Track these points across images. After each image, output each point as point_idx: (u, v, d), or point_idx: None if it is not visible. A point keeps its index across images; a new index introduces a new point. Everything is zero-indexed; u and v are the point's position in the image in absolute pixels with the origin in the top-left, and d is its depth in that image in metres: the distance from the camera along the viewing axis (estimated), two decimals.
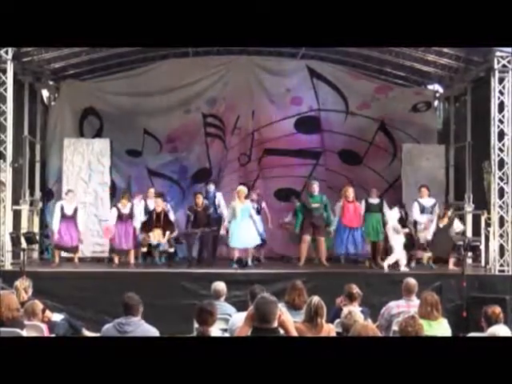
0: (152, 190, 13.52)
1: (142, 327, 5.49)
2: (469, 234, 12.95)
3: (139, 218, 12.63)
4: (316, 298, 6.08)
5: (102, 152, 14.14)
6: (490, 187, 12.05)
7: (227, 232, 12.48)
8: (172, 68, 15.11)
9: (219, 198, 13.26)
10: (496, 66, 11.55)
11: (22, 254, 10.80)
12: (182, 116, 15.39)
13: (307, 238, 12.76)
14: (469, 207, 13.36)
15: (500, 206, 11.60)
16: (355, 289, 7.53)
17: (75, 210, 12.61)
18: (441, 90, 15.62)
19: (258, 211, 13.09)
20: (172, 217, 12.97)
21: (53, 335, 7.41)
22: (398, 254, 11.78)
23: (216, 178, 14.98)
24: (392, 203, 13.04)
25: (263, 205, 13.52)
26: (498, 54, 11.46)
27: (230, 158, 15.51)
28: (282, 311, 4.45)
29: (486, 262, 11.98)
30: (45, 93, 15.12)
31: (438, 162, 14.70)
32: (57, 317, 8.75)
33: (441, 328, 6.49)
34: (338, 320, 6.76)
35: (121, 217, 12.47)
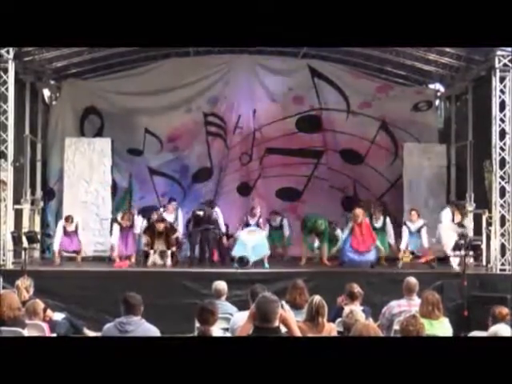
0: (171, 206, 13.39)
1: (142, 326, 5.49)
2: (470, 233, 12.94)
3: (140, 226, 12.91)
4: (317, 298, 6.09)
5: (103, 151, 14.16)
6: (492, 186, 12.06)
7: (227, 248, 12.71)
8: (173, 67, 15.11)
9: (218, 213, 13.07)
10: (497, 65, 11.55)
11: (23, 253, 10.80)
12: (183, 115, 15.38)
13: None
14: (470, 206, 13.36)
15: (501, 205, 11.60)
16: (356, 288, 7.52)
17: (76, 227, 12.84)
18: (442, 89, 15.61)
19: (258, 225, 13.01)
20: (178, 234, 12.92)
21: (54, 334, 7.41)
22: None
23: (216, 182, 15.03)
24: (394, 202, 13.02)
25: (260, 220, 13.34)
26: (499, 52, 11.47)
27: (231, 157, 15.51)
28: (285, 309, 4.45)
29: (488, 261, 11.97)
30: (46, 92, 15.12)
31: (439, 161, 14.69)
32: (58, 316, 8.77)
33: (442, 327, 6.49)
34: (339, 319, 6.77)
35: (122, 230, 12.78)
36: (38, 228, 13.82)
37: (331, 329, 6.06)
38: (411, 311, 6.53)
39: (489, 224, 12.13)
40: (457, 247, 11.47)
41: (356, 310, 6.51)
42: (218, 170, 15.37)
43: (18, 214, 12.64)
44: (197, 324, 5.80)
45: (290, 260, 13.65)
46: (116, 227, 12.83)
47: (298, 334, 4.69)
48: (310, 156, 15.60)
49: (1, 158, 11.47)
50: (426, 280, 10.09)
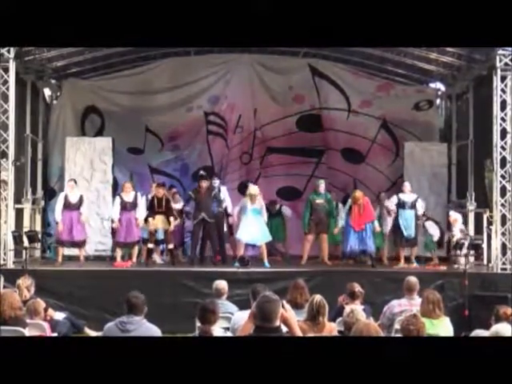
0: (154, 184, 13.14)
1: (144, 326, 5.48)
2: (471, 232, 12.94)
3: (142, 207, 12.42)
4: (318, 297, 6.09)
5: (104, 150, 14.16)
6: (492, 185, 12.05)
7: (231, 227, 12.54)
8: (174, 66, 15.12)
9: (224, 192, 13.13)
10: (498, 65, 11.53)
11: (24, 252, 10.82)
12: (183, 114, 15.37)
13: (311, 237, 12.83)
14: (471, 205, 13.35)
15: (502, 204, 11.60)
16: (357, 287, 7.53)
17: (80, 200, 12.42)
18: (443, 88, 15.60)
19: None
20: (178, 206, 12.92)
21: (55, 334, 7.41)
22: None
23: (218, 176, 14.98)
24: None
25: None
26: (500, 52, 11.45)
27: (231, 156, 15.50)
28: (286, 308, 4.44)
29: (488, 261, 11.96)
30: (47, 91, 15.12)
31: (440, 160, 14.67)
32: (59, 315, 8.79)
33: (443, 326, 6.49)
34: (339, 318, 6.77)
35: (124, 206, 12.30)
36: (38, 227, 13.80)
37: (332, 328, 6.06)
38: (412, 310, 6.54)
39: (489, 223, 12.13)
40: (458, 246, 11.49)
41: (357, 309, 6.50)
42: (218, 170, 15.36)
43: (19, 214, 12.64)
44: (198, 323, 5.81)
45: (291, 259, 13.66)
46: (117, 200, 12.44)
47: (298, 333, 4.68)
48: (311, 155, 15.60)
49: (2, 158, 11.48)
50: (427, 279, 10.11)
